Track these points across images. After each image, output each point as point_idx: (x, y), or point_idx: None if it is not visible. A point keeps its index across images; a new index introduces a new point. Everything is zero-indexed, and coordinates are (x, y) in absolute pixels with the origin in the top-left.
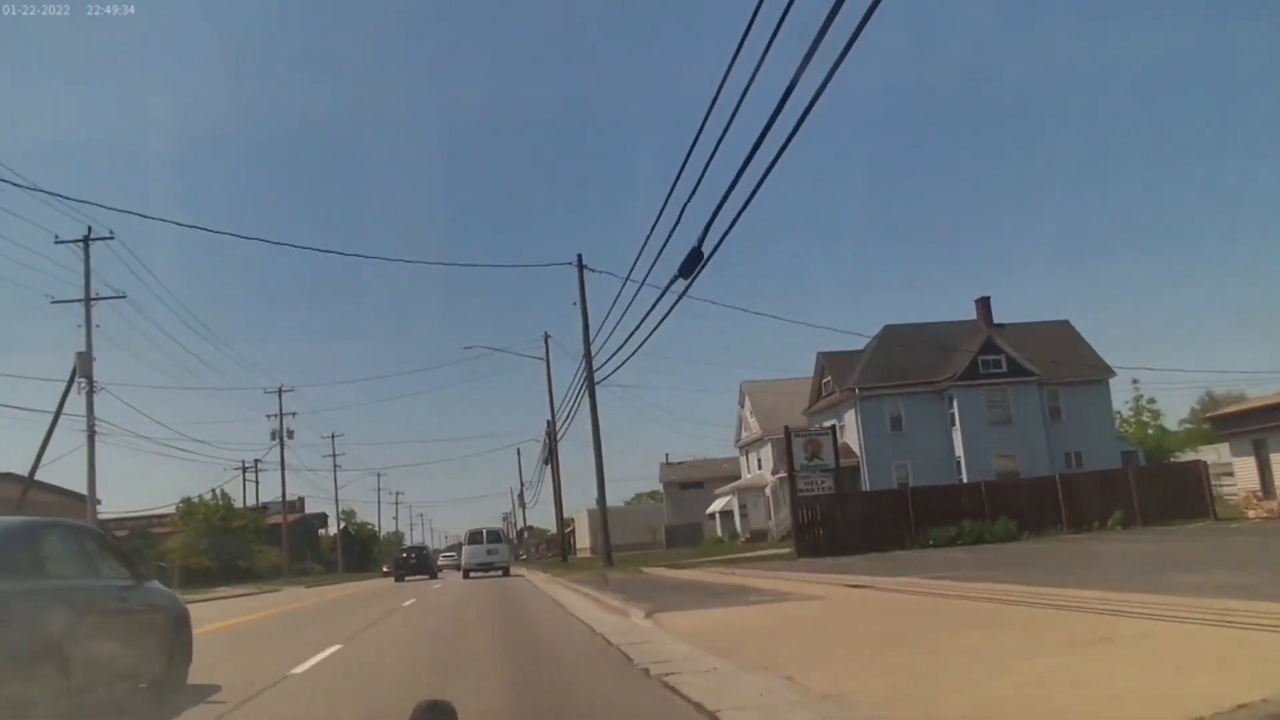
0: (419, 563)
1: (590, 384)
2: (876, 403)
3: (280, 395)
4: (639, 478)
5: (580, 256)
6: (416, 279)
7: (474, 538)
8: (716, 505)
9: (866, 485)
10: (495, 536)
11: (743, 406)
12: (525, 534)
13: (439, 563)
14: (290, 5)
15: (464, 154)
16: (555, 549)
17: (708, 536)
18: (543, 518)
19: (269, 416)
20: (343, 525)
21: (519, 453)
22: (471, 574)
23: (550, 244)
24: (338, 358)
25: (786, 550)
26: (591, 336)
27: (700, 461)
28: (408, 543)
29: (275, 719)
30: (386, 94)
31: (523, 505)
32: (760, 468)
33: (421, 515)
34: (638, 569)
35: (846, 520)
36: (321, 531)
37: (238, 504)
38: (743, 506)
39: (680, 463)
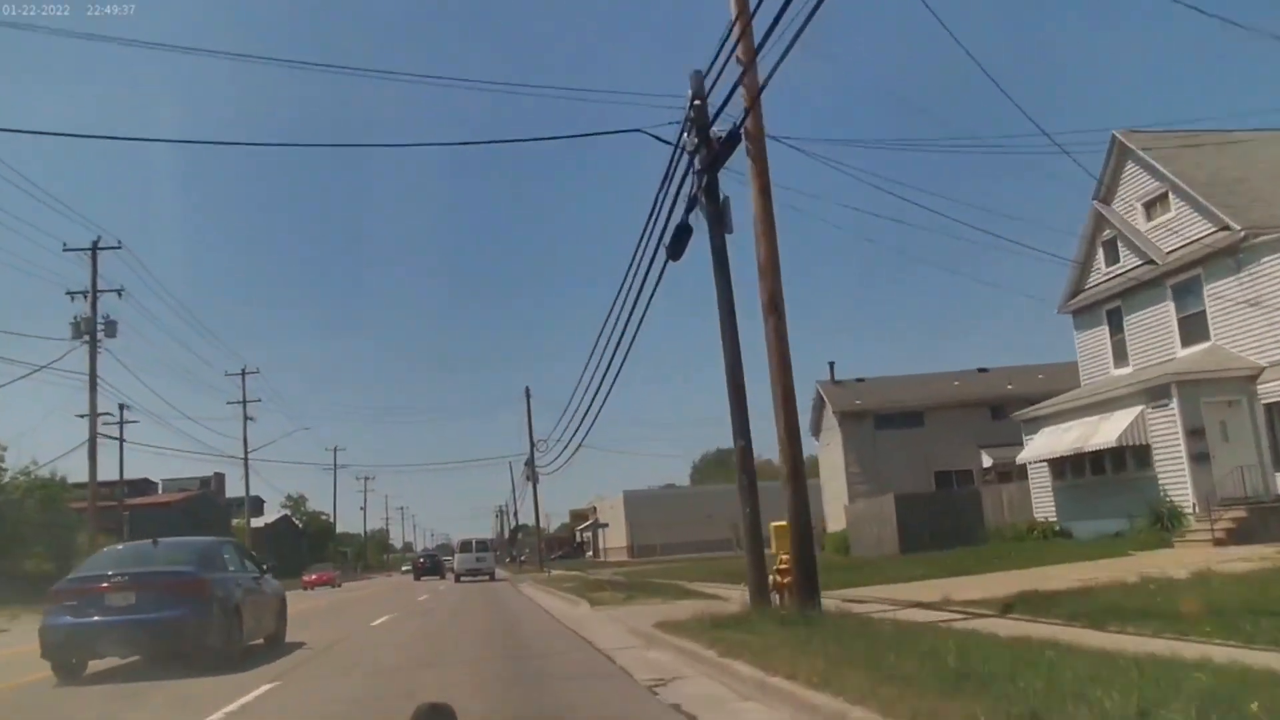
0: (432, 566)
1: None
2: None
3: (94, 255)
4: (661, 441)
5: None
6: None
7: (465, 546)
8: (1047, 441)
9: None
10: (483, 546)
11: (1106, 200)
12: (521, 533)
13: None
14: (290, 5)
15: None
16: (564, 549)
17: (992, 521)
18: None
19: (72, 295)
20: (284, 512)
21: (528, 392)
22: (462, 578)
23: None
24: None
25: None
26: None
27: (909, 378)
28: (391, 541)
29: None
30: (390, 90)
31: (532, 479)
32: (1216, 334)
33: (402, 510)
34: None
35: None
36: (254, 521)
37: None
38: (1193, 433)
39: (860, 380)
